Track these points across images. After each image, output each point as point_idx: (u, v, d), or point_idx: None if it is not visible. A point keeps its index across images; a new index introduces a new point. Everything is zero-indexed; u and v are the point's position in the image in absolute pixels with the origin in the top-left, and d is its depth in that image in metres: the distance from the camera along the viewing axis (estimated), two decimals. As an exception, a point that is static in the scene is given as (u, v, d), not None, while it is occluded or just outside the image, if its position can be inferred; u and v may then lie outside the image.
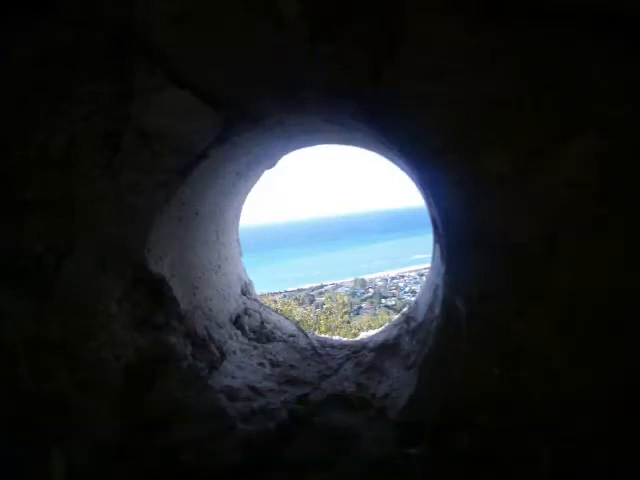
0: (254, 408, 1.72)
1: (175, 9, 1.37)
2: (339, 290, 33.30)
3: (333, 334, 8.10)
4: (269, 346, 2.19)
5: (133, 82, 1.46)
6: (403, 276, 42.93)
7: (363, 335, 2.58)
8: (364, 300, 33.60)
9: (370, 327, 9.92)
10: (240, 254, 2.63)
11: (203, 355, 1.82)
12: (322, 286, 37.29)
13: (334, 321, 11.79)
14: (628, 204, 1.21)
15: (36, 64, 1.46)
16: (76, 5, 1.45)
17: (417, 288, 29.35)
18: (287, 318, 2.73)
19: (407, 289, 35.52)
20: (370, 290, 37.52)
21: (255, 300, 2.54)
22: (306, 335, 2.39)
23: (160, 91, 1.47)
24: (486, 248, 1.34)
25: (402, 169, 1.93)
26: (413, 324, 1.90)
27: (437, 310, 1.55)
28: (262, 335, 2.28)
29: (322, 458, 1.56)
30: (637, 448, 1.26)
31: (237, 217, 2.55)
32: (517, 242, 1.30)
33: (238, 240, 2.62)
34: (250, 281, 2.63)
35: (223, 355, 1.92)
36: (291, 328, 2.47)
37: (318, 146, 2.41)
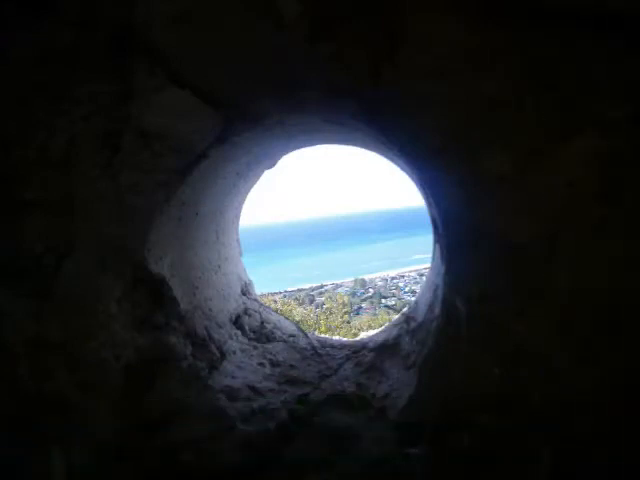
0: (254, 408, 1.72)
1: (175, 9, 1.37)
2: (339, 290, 33.27)
3: (333, 334, 8.09)
4: (269, 346, 2.19)
5: (133, 82, 1.46)
6: (403, 276, 42.90)
7: (363, 335, 2.58)
8: (364, 300, 33.57)
9: (370, 327, 9.92)
10: (240, 254, 2.63)
11: (203, 355, 1.82)
12: (322, 286, 37.26)
13: (334, 321, 11.78)
14: (628, 204, 1.21)
15: (36, 64, 1.46)
16: (76, 5, 1.45)
17: (417, 288, 29.34)
18: (287, 318, 2.73)
19: (407, 289, 35.49)
20: (370, 290, 37.49)
21: (255, 300, 2.54)
22: (306, 335, 2.39)
23: (160, 91, 1.47)
24: (486, 248, 1.34)
25: (402, 169, 1.93)
26: (413, 324, 1.90)
27: (437, 310, 1.55)
28: (262, 335, 2.28)
29: (322, 458, 1.56)
30: (637, 448, 1.26)
31: (237, 217, 2.55)
32: (517, 242, 1.30)
33: (238, 240, 2.62)
34: (250, 281, 2.63)
35: (223, 355, 1.92)
36: (291, 328, 2.47)
37: (318, 146, 2.41)
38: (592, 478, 1.32)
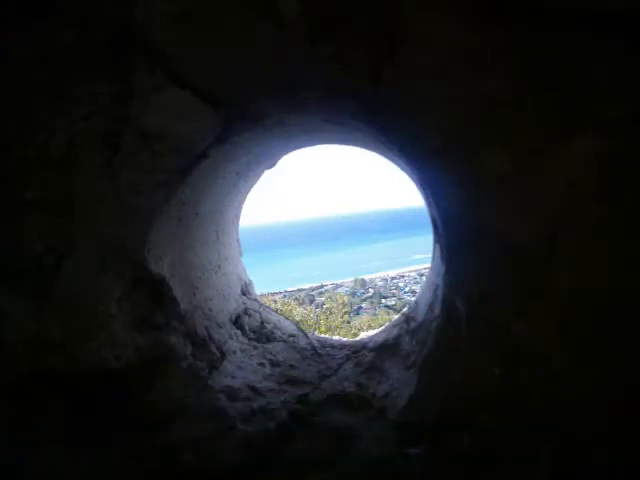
0: (254, 408, 1.72)
1: (175, 9, 1.37)
2: (339, 290, 33.30)
3: (333, 334, 8.09)
4: (269, 346, 2.19)
5: (133, 82, 1.46)
6: (403, 276, 42.93)
7: (363, 335, 2.58)
8: (364, 300, 33.60)
9: (370, 327, 9.92)
10: (240, 254, 2.63)
11: (203, 355, 1.82)
12: (322, 286, 37.28)
13: (334, 321, 11.79)
14: (628, 204, 1.21)
15: (36, 64, 1.46)
16: (76, 5, 1.45)
17: (417, 288, 29.34)
18: (287, 318, 2.73)
19: (407, 289, 35.52)
20: (370, 290, 37.51)
21: (255, 300, 2.54)
22: (306, 335, 2.39)
23: (160, 91, 1.47)
24: (486, 248, 1.34)
25: (402, 169, 1.93)
26: (413, 324, 1.90)
27: (437, 310, 1.55)
28: (262, 335, 2.28)
29: (322, 458, 1.56)
30: (637, 448, 1.26)
31: (237, 217, 2.55)
32: (517, 242, 1.30)
33: (238, 240, 2.62)
34: (250, 281, 2.63)
35: (223, 355, 1.92)
36: (291, 328, 2.47)
37: (318, 146, 2.41)
38: (592, 478, 1.32)
